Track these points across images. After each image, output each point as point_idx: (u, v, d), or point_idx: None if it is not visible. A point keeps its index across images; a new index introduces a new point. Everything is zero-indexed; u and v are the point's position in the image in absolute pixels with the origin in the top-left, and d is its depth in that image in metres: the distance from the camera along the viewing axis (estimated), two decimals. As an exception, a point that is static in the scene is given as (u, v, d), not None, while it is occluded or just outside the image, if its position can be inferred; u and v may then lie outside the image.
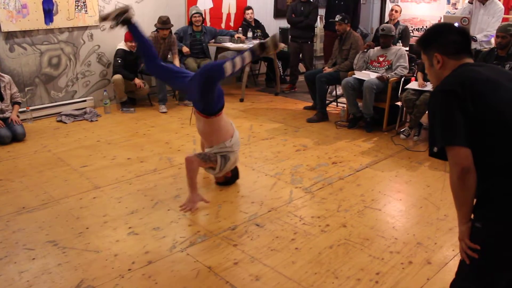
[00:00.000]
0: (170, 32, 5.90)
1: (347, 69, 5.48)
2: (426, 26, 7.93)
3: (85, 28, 5.65)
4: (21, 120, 4.87)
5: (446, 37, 1.72)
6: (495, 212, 1.58)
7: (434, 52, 1.72)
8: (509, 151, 1.55)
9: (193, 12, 6.31)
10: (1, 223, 3.05)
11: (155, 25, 5.79)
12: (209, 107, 3.31)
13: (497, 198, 1.58)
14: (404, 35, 6.38)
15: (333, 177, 3.88)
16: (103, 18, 3.27)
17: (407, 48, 5.81)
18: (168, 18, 5.76)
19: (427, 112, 4.41)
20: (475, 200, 1.63)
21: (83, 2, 5.50)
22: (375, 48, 5.32)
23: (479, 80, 1.62)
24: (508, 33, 4.37)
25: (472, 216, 1.64)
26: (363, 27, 8.05)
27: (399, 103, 5.19)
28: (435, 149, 1.62)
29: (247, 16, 7.15)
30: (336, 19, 5.58)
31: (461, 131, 1.55)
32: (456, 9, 7.11)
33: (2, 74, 4.76)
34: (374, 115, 5.10)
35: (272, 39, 3.23)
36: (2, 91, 4.69)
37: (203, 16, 6.50)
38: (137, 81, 5.74)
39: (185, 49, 6.26)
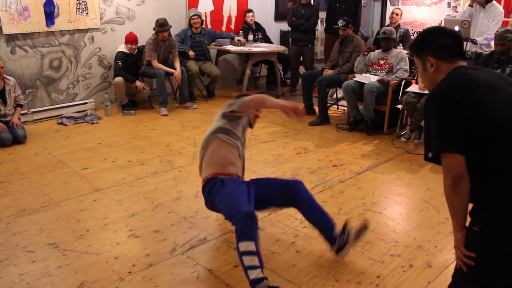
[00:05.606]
0: (170, 34, 5.90)
1: (349, 71, 5.47)
2: (427, 29, 7.95)
3: (86, 30, 5.66)
4: (22, 122, 4.86)
5: (439, 41, 1.71)
6: (495, 213, 1.57)
7: (427, 56, 1.71)
8: (507, 153, 1.54)
9: (192, 14, 6.33)
10: (2, 225, 3.05)
11: (154, 28, 5.78)
12: None
13: (496, 200, 1.56)
14: (404, 38, 6.39)
15: (333, 180, 3.88)
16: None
17: (408, 51, 5.81)
18: (165, 20, 5.74)
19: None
20: (472, 205, 1.62)
21: (84, 5, 5.51)
22: (376, 51, 5.31)
23: (475, 83, 1.61)
24: (506, 40, 4.37)
25: (470, 220, 1.63)
26: (363, 30, 8.06)
27: (399, 106, 5.19)
28: (430, 155, 1.62)
29: (248, 19, 7.15)
30: (340, 24, 5.51)
31: (456, 137, 1.54)
32: (457, 12, 7.11)
33: (7, 77, 4.74)
34: (375, 118, 5.10)
35: None
36: (6, 95, 4.68)
37: (202, 18, 6.51)
38: (138, 83, 5.75)
39: (191, 53, 6.30)
